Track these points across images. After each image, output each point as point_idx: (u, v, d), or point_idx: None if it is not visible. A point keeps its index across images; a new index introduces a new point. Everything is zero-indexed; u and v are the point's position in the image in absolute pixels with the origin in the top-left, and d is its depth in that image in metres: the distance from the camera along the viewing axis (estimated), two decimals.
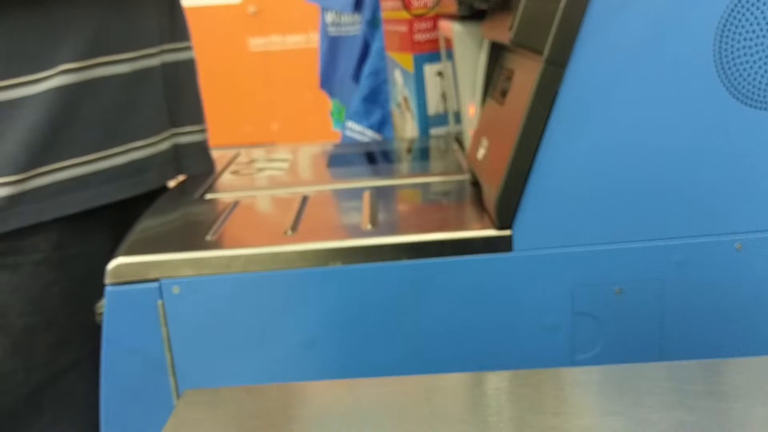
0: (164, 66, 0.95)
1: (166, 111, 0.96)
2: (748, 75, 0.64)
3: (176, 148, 0.98)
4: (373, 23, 1.43)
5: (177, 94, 0.98)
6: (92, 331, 0.82)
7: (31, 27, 0.80)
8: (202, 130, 1.02)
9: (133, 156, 0.91)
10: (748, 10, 0.63)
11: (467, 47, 0.93)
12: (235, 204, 0.83)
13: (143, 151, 0.92)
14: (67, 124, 0.83)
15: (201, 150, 1.02)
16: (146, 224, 0.80)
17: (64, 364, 0.86)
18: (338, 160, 1.06)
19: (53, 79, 0.81)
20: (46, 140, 0.81)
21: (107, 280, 0.68)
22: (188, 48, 1.00)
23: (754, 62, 0.64)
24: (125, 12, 0.88)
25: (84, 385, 0.87)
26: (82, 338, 0.86)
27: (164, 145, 0.95)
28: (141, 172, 0.92)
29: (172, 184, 1.00)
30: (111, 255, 0.79)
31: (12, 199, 0.80)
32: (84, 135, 0.85)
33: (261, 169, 1.02)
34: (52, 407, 0.86)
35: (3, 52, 0.79)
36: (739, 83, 0.64)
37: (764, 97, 0.65)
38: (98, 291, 0.82)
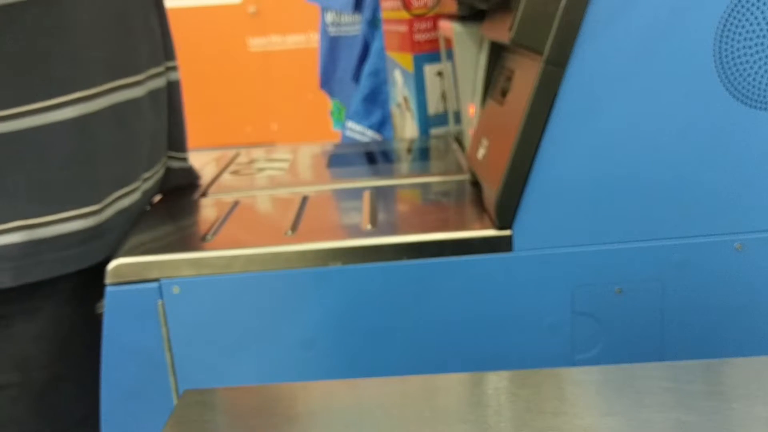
0: (169, 85, 0.90)
1: (167, 135, 0.90)
2: (748, 75, 0.64)
3: (166, 172, 0.92)
4: (373, 23, 1.43)
5: (173, 116, 0.92)
6: None
7: (38, 49, 0.69)
8: (187, 157, 0.96)
9: (146, 187, 0.83)
10: (748, 10, 0.63)
11: (467, 47, 0.93)
12: (235, 204, 0.83)
13: (151, 181, 0.86)
14: (88, 158, 0.73)
15: (187, 175, 0.96)
16: (146, 224, 0.80)
17: (86, 412, 0.76)
18: (338, 160, 1.06)
19: (68, 108, 0.71)
20: (65, 178, 0.71)
21: (107, 280, 0.68)
22: (177, 67, 0.93)
23: (754, 62, 0.64)
24: (134, 31, 0.81)
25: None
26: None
27: (158, 170, 0.89)
28: (150, 203, 0.86)
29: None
30: None
31: (30, 247, 0.69)
32: (107, 171, 0.75)
33: (261, 169, 1.02)
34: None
35: (26, 79, 0.69)
36: (739, 83, 0.64)
37: (764, 97, 0.65)
38: None
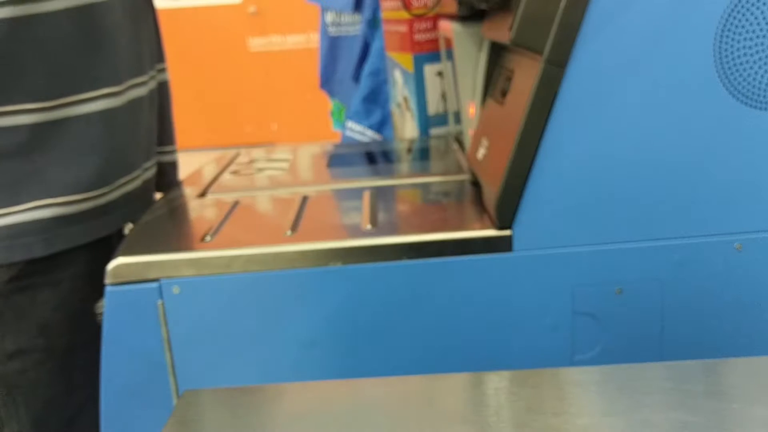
0: (159, 85, 0.98)
1: (160, 131, 0.99)
2: (748, 75, 0.64)
3: (157, 166, 1.00)
4: (373, 23, 1.43)
5: (164, 114, 1.00)
6: None
7: (77, 47, 0.80)
8: (175, 150, 1.06)
9: (146, 176, 0.93)
10: (748, 10, 0.63)
11: (467, 47, 0.93)
12: (235, 204, 0.83)
13: (150, 172, 0.95)
14: (112, 147, 0.83)
15: (174, 168, 1.05)
16: (146, 224, 0.80)
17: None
18: (338, 160, 1.06)
19: (101, 101, 0.81)
20: (93, 164, 0.81)
21: (107, 280, 0.68)
22: (165, 69, 1.02)
23: (754, 62, 0.64)
24: (140, 34, 0.89)
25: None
26: None
27: (154, 162, 0.98)
28: (150, 191, 0.95)
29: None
30: None
31: (57, 221, 0.79)
32: (121, 158, 0.85)
33: (261, 169, 1.02)
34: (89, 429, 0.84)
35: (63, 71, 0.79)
36: (739, 83, 0.64)
37: (764, 97, 0.65)
38: None
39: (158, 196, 1.01)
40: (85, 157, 0.81)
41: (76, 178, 0.80)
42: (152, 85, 0.95)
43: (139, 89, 0.89)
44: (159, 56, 0.99)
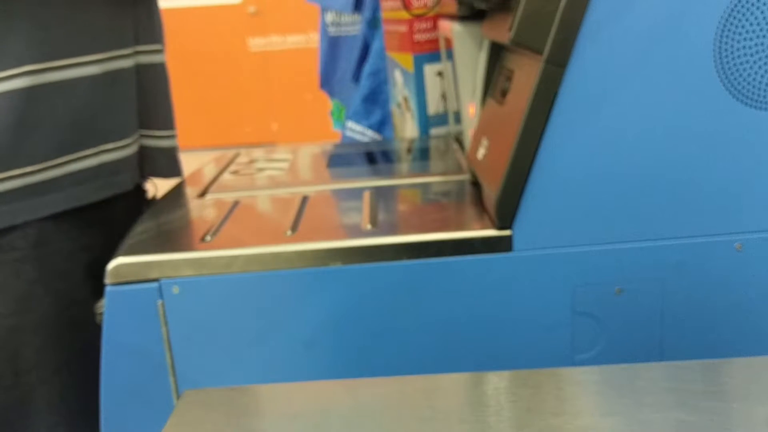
0: (138, 68, 0.94)
1: (137, 114, 0.94)
2: (748, 75, 0.64)
3: (142, 151, 0.96)
4: (373, 23, 1.43)
5: (149, 97, 0.96)
6: (80, 329, 0.82)
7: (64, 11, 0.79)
8: (172, 136, 1.00)
9: (104, 158, 0.89)
10: (748, 10, 0.63)
11: (467, 47, 0.93)
12: (235, 204, 0.83)
13: (114, 154, 0.90)
14: (35, 125, 0.81)
15: (169, 155, 1.00)
16: (146, 224, 0.80)
17: (54, 364, 0.84)
18: (338, 160, 1.06)
19: (16, 80, 0.79)
20: (13, 142, 0.79)
21: (107, 280, 0.68)
22: (161, 51, 0.98)
23: (754, 62, 0.64)
24: (93, 12, 0.86)
25: (76, 384, 0.85)
26: (70, 337, 0.84)
27: (135, 148, 0.94)
28: (113, 174, 0.90)
29: (150, 187, 1.00)
30: (91, 252, 0.80)
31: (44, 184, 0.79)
32: (53, 137, 0.83)
33: (261, 169, 1.02)
34: (45, 411, 0.84)
35: None
36: (739, 83, 0.64)
37: (764, 97, 0.65)
38: (82, 288, 0.82)
39: (149, 186, 0.99)
40: (76, 120, 0.81)
41: (63, 140, 0.80)
42: (142, 60, 0.93)
43: (84, 68, 0.86)
44: (151, 37, 0.96)
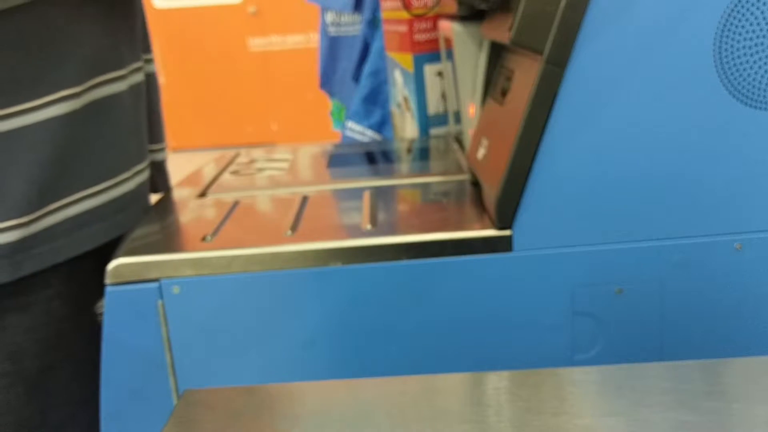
0: (147, 78, 0.90)
1: (148, 128, 0.91)
2: (748, 75, 0.64)
3: (152, 166, 0.93)
4: (373, 23, 1.43)
5: (152, 109, 0.92)
6: None
7: (26, 50, 0.71)
8: (163, 149, 0.97)
9: (139, 180, 0.85)
10: (748, 10, 0.63)
11: (467, 47, 0.93)
12: (235, 204, 0.83)
13: (144, 174, 0.87)
14: (76, 153, 0.75)
15: (161, 169, 0.96)
16: (146, 224, 0.80)
17: (82, 398, 0.80)
18: (338, 160, 1.06)
19: (54, 107, 0.73)
20: (55, 173, 0.73)
21: (107, 280, 0.68)
22: (152, 59, 0.94)
23: (754, 62, 0.64)
24: (115, 26, 0.81)
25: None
26: (95, 369, 0.77)
27: (148, 164, 0.91)
28: (144, 196, 0.87)
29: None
30: None
31: (24, 242, 0.72)
32: (94, 163, 0.77)
33: (261, 169, 1.02)
34: None
35: None
36: (739, 83, 0.64)
37: (764, 97, 0.65)
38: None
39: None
40: (48, 168, 0.72)
41: (39, 192, 0.72)
42: (136, 79, 0.85)
43: (115, 85, 0.80)
44: (148, 45, 0.91)
